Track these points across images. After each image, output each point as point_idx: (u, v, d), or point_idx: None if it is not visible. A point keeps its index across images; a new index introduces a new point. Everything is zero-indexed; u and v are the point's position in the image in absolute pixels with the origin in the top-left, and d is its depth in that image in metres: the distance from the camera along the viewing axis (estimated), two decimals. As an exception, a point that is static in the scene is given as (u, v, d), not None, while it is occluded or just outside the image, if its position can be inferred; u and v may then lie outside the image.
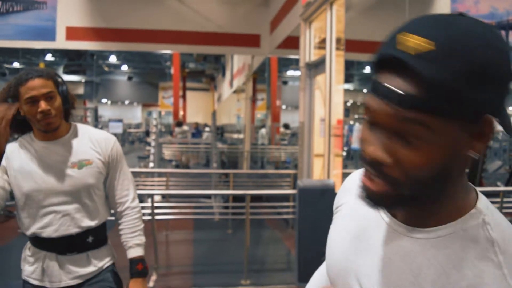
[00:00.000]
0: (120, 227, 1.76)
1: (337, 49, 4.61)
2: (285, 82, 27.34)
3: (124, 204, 1.75)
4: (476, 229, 0.57)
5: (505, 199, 4.75)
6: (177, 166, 10.84)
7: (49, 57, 21.85)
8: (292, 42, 6.55)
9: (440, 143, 0.53)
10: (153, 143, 7.71)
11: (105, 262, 1.72)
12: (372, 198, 0.59)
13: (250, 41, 8.00)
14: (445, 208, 0.59)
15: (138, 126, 24.13)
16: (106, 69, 26.07)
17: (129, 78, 27.38)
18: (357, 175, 0.79)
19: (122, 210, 1.75)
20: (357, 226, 0.71)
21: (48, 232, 1.60)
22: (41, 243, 1.63)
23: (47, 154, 1.62)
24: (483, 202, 0.60)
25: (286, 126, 15.26)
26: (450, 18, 0.53)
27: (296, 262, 3.54)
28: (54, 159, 1.62)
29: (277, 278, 4.29)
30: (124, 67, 26.50)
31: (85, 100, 25.17)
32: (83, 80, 26.25)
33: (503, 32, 7.37)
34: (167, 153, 10.00)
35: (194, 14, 7.64)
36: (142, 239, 1.75)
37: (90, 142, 1.69)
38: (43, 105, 1.53)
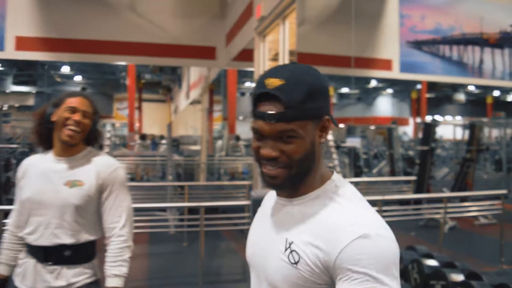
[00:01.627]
0: (106, 253, 1.76)
1: (290, 61, 4.73)
2: (242, 94, 27.50)
3: (112, 230, 1.77)
4: (331, 190, 0.92)
5: (449, 204, 4.98)
6: (131, 179, 10.65)
7: (-4, 66, 20.98)
8: (248, 55, 6.65)
9: (304, 137, 0.87)
10: (106, 156, 7.55)
11: (81, 279, 1.73)
12: (272, 180, 0.90)
13: (206, 53, 8.03)
14: (311, 182, 0.93)
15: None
16: (58, 79, 25.26)
17: (83, 89, 26.62)
18: (270, 192, 1.11)
19: (110, 236, 1.77)
20: (260, 217, 1.07)
21: (30, 239, 1.73)
22: (28, 248, 1.76)
23: (53, 169, 1.76)
24: (336, 176, 0.96)
25: (238, 138, 15.27)
26: (291, 65, 0.91)
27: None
28: (56, 175, 1.75)
29: (233, 289, 4.29)
30: (78, 78, 25.81)
31: (35, 112, 24.20)
32: (33, 91, 25.35)
33: (447, 46, 7.79)
34: (122, 166, 9.80)
35: (150, 25, 7.59)
36: (122, 270, 1.73)
37: (93, 165, 1.79)
38: (78, 116, 1.73)
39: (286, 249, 0.90)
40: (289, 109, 0.85)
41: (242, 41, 6.49)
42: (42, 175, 1.76)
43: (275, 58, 5.29)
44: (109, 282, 1.71)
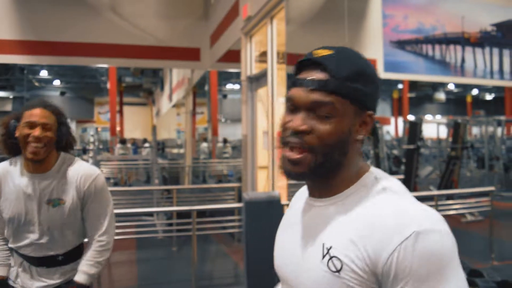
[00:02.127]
0: (84, 254, 1.83)
1: (279, 62, 4.69)
2: (224, 96, 27.41)
3: (92, 236, 1.83)
4: (370, 183, 0.81)
5: (439, 202, 5.00)
6: (115, 184, 10.47)
7: (-28, 71, 20.47)
8: (233, 56, 6.58)
9: (342, 119, 0.78)
10: (90, 161, 7.39)
11: (73, 274, 1.80)
12: (294, 166, 0.80)
13: (190, 54, 7.94)
14: (346, 179, 0.82)
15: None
16: (36, 84, 24.76)
17: (62, 94, 26.17)
18: (300, 191, 1.00)
19: (90, 241, 1.83)
20: (289, 221, 0.94)
21: (23, 251, 1.78)
22: (19, 254, 1.81)
23: (30, 187, 1.74)
24: (374, 169, 0.85)
25: (225, 140, 15.25)
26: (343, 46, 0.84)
27: (245, 275, 3.50)
28: (35, 194, 1.74)
29: (225, 293, 4.22)
30: (56, 82, 25.35)
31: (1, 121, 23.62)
32: (11, 96, 24.80)
33: (429, 46, 7.87)
34: (106, 170, 9.63)
35: (132, 27, 7.46)
36: (92, 269, 1.78)
37: (71, 179, 1.77)
38: (37, 131, 1.66)
39: (324, 256, 0.78)
40: (333, 79, 0.77)
41: (228, 42, 6.43)
42: (21, 194, 1.74)
43: (262, 59, 5.25)
44: (78, 276, 1.77)
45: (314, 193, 0.87)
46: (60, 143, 1.77)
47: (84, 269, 1.77)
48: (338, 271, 0.76)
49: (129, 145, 13.72)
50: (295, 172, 0.81)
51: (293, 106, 0.81)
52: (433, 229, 0.71)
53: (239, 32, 5.52)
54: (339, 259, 0.76)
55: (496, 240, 4.92)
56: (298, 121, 0.79)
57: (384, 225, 0.73)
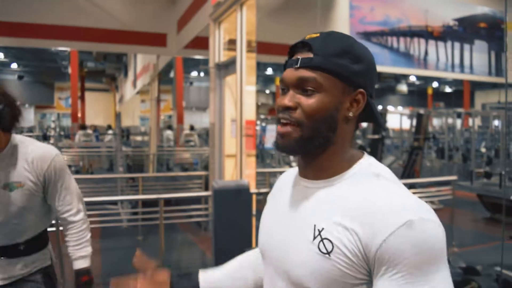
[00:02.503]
0: (66, 239, 1.77)
1: (248, 51, 4.64)
2: (191, 83, 27.09)
3: (67, 219, 1.75)
4: (365, 168, 0.82)
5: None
6: (77, 172, 10.18)
7: None
8: (200, 42, 6.47)
9: (327, 94, 0.80)
10: (51, 147, 7.13)
11: (37, 265, 1.74)
12: (281, 139, 0.82)
13: (156, 40, 7.76)
14: (339, 161, 0.83)
15: (31, 130, 22.19)
16: (-8, 67, 23.71)
17: (20, 78, 25.14)
18: (287, 173, 1.00)
19: (66, 224, 1.76)
20: (276, 201, 0.94)
21: None
22: None
23: None
24: (367, 156, 0.86)
25: (192, 127, 15.09)
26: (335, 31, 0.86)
27: (213, 264, 3.48)
28: None
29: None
30: (14, 65, 24.30)
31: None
32: (-36, 79, 23.61)
33: (394, 38, 8.01)
34: (67, 158, 9.34)
35: (95, 9, 7.20)
36: (88, 250, 1.77)
37: (25, 162, 1.65)
38: None
39: (315, 237, 0.78)
40: (317, 56, 0.80)
41: (195, 28, 6.31)
42: None
43: (230, 47, 5.18)
44: (77, 264, 1.74)
45: (307, 174, 0.87)
46: (3, 124, 1.58)
47: (80, 254, 1.74)
48: (329, 253, 0.75)
49: (90, 131, 13.34)
50: (282, 144, 0.83)
51: (284, 86, 0.84)
52: (427, 218, 0.71)
53: (208, 18, 5.43)
54: (330, 241, 0.76)
55: (457, 227, 5.11)
56: (286, 99, 0.82)
57: (377, 211, 0.73)
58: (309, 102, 0.80)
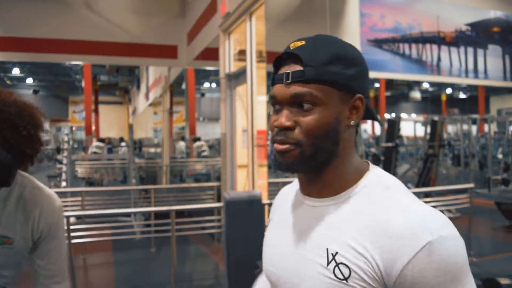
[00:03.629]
0: None
1: (258, 61, 4.63)
2: (202, 94, 27.23)
3: (47, 285, 1.40)
4: (374, 182, 0.77)
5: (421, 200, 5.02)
6: (91, 184, 10.24)
7: None
8: (211, 53, 6.49)
9: (326, 107, 0.74)
10: (65, 161, 7.19)
11: None
12: (282, 156, 0.76)
13: (167, 52, 7.82)
14: (345, 175, 0.78)
15: (46, 143, 22.48)
16: (8, 82, 24.11)
17: (35, 92, 25.54)
18: (286, 189, 0.95)
19: None
20: (280, 222, 0.87)
21: None
22: None
23: None
24: (373, 166, 0.81)
25: (196, 139, 14.76)
26: (320, 34, 0.79)
27: (226, 276, 3.44)
28: None
29: (205, 295, 4.14)
30: (29, 80, 24.71)
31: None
32: (-19, 95, 23.99)
33: (406, 45, 7.94)
34: (81, 170, 9.40)
35: (107, 23, 7.29)
36: None
37: (22, 212, 1.32)
38: None
39: (329, 262, 0.72)
40: (308, 68, 0.73)
41: (205, 39, 6.34)
42: None
43: (240, 57, 5.18)
44: None
45: (310, 191, 0.81)
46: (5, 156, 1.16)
47: None
48: (346, 278, 0.70)
49: (102, 144, 13.46)
50: (283, 162, 0.76)
51: (277, 104, 0.78)
52: (446, 235, 0.67)
53: (217, 29, 5.45)
54: (347, 266, 0.70)
55: (474, 237, 4.99)
56: (282, 118, 0.75)
57: (393, 234, 0.68)
58: (307, 119, 0.74)
